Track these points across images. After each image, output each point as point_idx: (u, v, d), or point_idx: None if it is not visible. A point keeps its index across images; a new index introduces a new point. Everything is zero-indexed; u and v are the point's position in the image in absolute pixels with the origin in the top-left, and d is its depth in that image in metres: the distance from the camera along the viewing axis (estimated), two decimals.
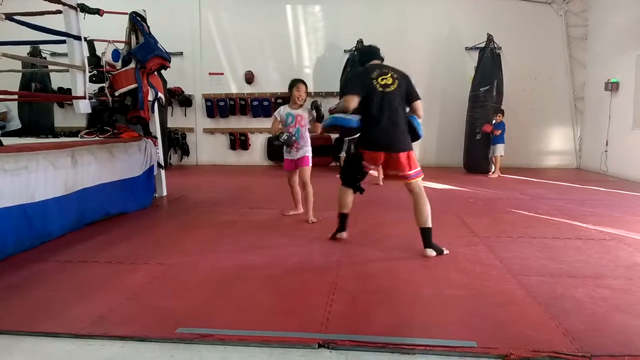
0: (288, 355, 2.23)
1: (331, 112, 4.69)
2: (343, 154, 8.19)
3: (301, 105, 5.05)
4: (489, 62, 9.54)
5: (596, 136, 9.70)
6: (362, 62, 4.26)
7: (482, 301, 2.89)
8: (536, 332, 2.43)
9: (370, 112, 3.83)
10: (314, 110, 4.96)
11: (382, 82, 3.86)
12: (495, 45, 9.62)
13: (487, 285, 3.16)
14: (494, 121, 9.09)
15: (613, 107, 9.09)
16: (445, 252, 3.84)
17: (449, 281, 3.24)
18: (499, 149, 9.01)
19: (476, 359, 2.19)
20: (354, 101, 3.81)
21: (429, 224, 3.85)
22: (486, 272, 3.41)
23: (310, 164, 5.09)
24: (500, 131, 8.96)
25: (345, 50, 10.54)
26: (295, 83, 5.04)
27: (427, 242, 3.84)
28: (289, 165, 5.17)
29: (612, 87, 9.01)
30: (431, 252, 3.80)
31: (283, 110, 5.08)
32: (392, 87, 3.86)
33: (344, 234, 4.27)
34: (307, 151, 5.08)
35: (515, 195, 6.83)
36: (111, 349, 2.29)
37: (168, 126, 10.55)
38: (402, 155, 3.82)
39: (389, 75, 3.91)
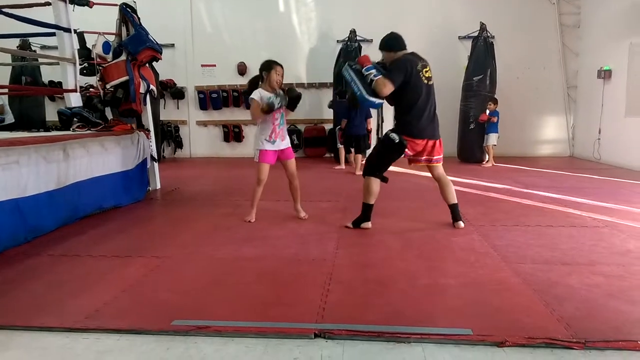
0: (284, 345, 2.23)
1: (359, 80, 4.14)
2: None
3: (274, 90, 4.51)
4: (482, 51, 9.52)
5: (589, 124, 9.73)
6: (392, 49, 4.31)
7: (477, 289, 2.90)
8: (531, 319, 2.44)
9: (416, 102, 4.12)
10: (286, 96, 4.49)
11: (427, 75, 4.21)
12: (489, 34, 9.59)
13: (481, 273, 3.17)
14: (487, 110, 9.09)
15: (606, 95, 9.11)
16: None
17: (444, 270, 3.25)
18: (492, 138, 9.03)
19: (472, 347, 2.20)
20: (391, 90, 4.02)
21: (456, 200, 4.42)
22: (481, 261, 3.42)
23: None
24: (495, 118, 8.96)
25: (338, 41, 10.48)
26: (274, 65, 4.53)
27: (457, 215, 4.41)
28: (270, 158, 4.60)
29: (605, 75, 9.02)
30: (461, 224, 4.37)
31: (263, 93, 4.46)
32: (432, 80, 4.28)
33: (369, 224, 4.35)
34: (289, 141, 4.75)
35: (509, 184, 6.85)
36: (106, 342, 2.28)
37: (161, 119, 10.48)
38: (438, 142, 4.31)
39: (428, 67, 4.29)
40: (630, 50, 8.32)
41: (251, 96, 4.49)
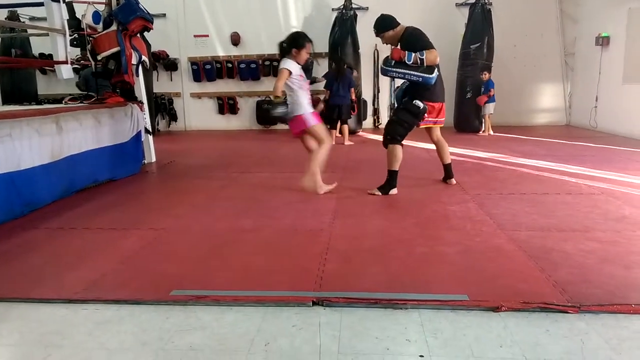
0: (283, 313, 2.25)
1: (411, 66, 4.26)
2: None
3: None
4: (479, 18, 9.39)
5: (586, 92, 9.68)
6: (392, 26, 4.46)
7: (473, 256, 2.92)
8: (526, 285, 2.47)
9: (436, 69, 4.33)
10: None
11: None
12: (486, 1, 9.44)
13: (478, 241, 3.19)
14: (483, 77, 8.94)
15: (603, 62, 9.04)
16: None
17: (440, 238, 3.27)
18: (489, 108, 8.98)
19: (468, 312, 2.22)
20: (437, 55, 4.31)
21: (450, 160, 4.88)
22: (477, 229, 3.44)
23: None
24: (493, 91, 8.86)
25: (333, 9, 10.30)
26: (307, 42, 4.36)
27: (450, 173, 4.88)
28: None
29: (603, 41, 8.93)
30: (453, 181, 4.84)
31: (295, 65, 4.29)
32: None
33: (396, 190, 4.52)
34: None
35: (506, 152, 6.85)
36: (105, 312, 2.29)
37: (154, 91, 10.36)
38: (444, 105, 4.68)
39: None
40: (629, 16, 8.22)
41: (285, 66, 4.25)
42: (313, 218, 3.83)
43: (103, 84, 6.54)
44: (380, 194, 4.46)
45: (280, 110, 4.24)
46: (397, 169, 4.48)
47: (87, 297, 2.45)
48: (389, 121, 4.74)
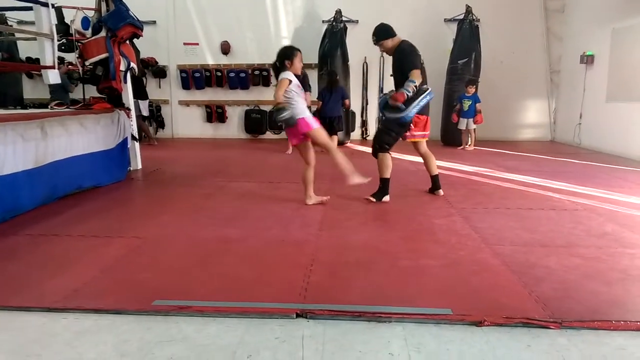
0: (266, 325, 2.23)
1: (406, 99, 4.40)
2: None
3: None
4: (467, 34, 9.52)
5: (571, 109, 9.83)
6: (390, 35, 4.70)
7: (458, 270, 2.93)
8: (509, 300, 2.48)
9: (425, 82, 4.58)
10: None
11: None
12: (474, 17, 9.58)
13: (462, 255, 3.20)
14: (468, 91, 9.00)
15: (588, 80, 9.20)
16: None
17: (425, 252, 3.28)
18: (472, 122, 9.03)
19: (451, 326, 2.22)
20: (420, 73, 4.47)
21: (437, 172, 5.04)
22: (462, 242, 3.46)
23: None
24: (480, 106, 8.91)
25: (323, 21, 10.37)
26: (297, 51, 4.42)
27: (438, 185, 5.01)
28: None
29: (588, 60, 9.09)
30: (441, 192, 4.97)
31: (293, 76, 4.33)
32: None
33: (388, 197, 4.72)
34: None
35: (491, 167, 6.91)
36: (85, 322, 2.26)
37: None
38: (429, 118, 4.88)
39: None
40: (613, 36, 8.39)
41: (285, 76, 4.24)
42: (299, 229, 3.82)
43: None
44: (375, 200, 4.65)
45: (285, 114, 4.19)
46: (388, 177, 4.69)
47: (67, 306, 2.40)
48: (377, 131, 4.87)
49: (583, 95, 9.31)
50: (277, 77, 4.38)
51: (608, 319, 2.26)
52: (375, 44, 4.71)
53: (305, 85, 4.60)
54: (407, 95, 4.35)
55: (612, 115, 8.43)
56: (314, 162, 4.52)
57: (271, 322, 2.26)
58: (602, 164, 7.23)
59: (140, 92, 9.22)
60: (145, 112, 9.56)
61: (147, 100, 9.76)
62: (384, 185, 4.69)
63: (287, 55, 4.37)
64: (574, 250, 3.30)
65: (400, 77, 4.49)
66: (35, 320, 2.28)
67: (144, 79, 10.32)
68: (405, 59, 4.49)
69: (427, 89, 4.55)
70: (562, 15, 10.31)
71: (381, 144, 4.64)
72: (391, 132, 4.63)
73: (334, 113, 8.10)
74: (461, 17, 9.69)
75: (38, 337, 2.13)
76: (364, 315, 2.30)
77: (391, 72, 4.81)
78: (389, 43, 4.64)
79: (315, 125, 4.34)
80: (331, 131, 8.20)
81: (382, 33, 4.66)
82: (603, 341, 2.10)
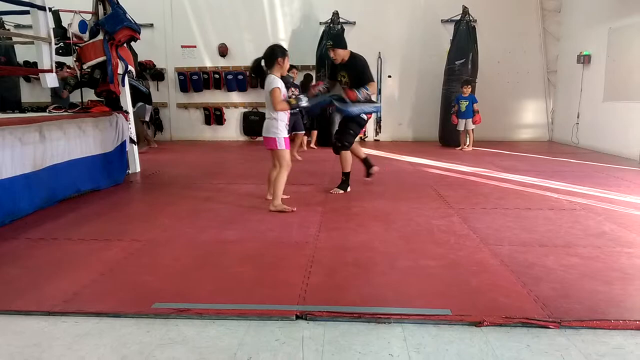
0: (266, 327, 2.24)
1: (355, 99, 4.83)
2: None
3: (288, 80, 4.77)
4: (464, 35, 9.53)
5: (568, 109, 9.86)
6: (346, 46, 5.05)
7: (456, 270, 2.94)
8: (508, 300, 2.49)
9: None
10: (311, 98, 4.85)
11: None
12: (471, 18, 9.60)
13: (461, 255, 3.21)
14: (463, 91, 9.01)
15: (585, 80, 9.23)
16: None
17: (424, 252, 3.28)
18: (471, 122, 9.05)
19: (450, 326, 2.23)
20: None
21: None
22: (460, 243, 3.47)
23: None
24: (477, 107, 8.93)
25: (320, 23, 10.39)
26: (286, 51, 4.47)
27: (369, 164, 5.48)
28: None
29: (584, 60, 9.12)
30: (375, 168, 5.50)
31: (281, 83, 4.38)
32: None
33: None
34: None
35: (489, 167, 6.93)
36: (85, 325, 2.26)
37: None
38: None
39: None
40: (610, 35, 8.42)
41: (277, 85, 4.27)
42: (298, 230, 3.82)
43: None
44: (342, 191, 5.14)
45: (303, 103, 4.50)
46: (350, 170, 5.19)
47: (67, 309, 2.41)
48: (338, 131, 5.17)
49: (580, 95, 9.34)
50: (258, 77, 4.42)
51: (607, 318, 2.27)
52: (331, 48, 4.99)
53: (290, 86, 4.92)
54: (359, 98, 4.81)
55: (609, 115, 8.46)
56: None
57: (271, 324, 2.26)
58: (599, 164, 7.26)
59: (149, 96, 9.26)
60: (147, 117, 9.53)
61: (151, 107, 9.74)
62: (347, 178, 5.20)
63: (280, 52, 4.38)
64: (573, 249, 3.31)
65: (357, 83, 4.89)
66: (35, 324, 2.29)
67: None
68: (365, 70, 4.97)
69: (378, 103, 4.96)
70: (559, 15, 10.34)
71: (343, 142, 5.05)
72: (351, 131, 5.06)
73: (313, 112, 8.49)
74: (458, 17, 9.71)
75: (38, 341, 2.13)
76: (363, 316, 2.31)
77: (339, 78, 5.09)
78: (342, 52, 4.97)
79: (282, 146, 4.40)
80: (312, 127, 9.29)
81: (342, 42, 5.05)
82: (602, 340, 2.11)
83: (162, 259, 3.20)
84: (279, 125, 4.38)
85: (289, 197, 4.78)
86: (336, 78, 5.10)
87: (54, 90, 8.44)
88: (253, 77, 4.44)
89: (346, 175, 5.20)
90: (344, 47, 4.99)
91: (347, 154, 5.11)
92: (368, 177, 5.48)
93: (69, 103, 6.43)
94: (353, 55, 5.01)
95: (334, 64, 5.11)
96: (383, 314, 2.32)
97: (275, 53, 4.36)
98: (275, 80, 4.29)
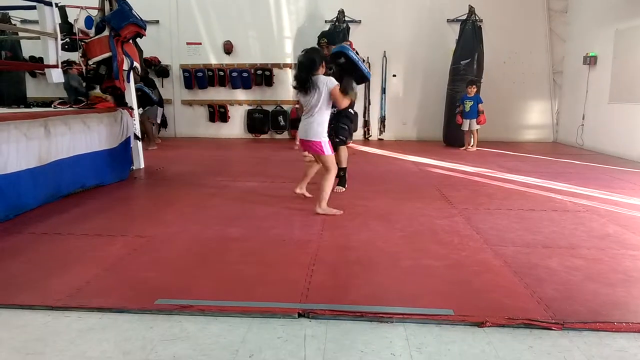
0: (268, 324, 2.24)
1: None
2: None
3: None
4: (470, 34, 9.50)
5: (573, 110, 9.82)
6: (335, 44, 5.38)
7: (459, 271, 2.93)
8: (511, 301, 2.49)
9: None
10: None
11: None
12: (477, 18, 9.57)
13: (464, 255, 3.21)
14: (469, 91, 8.97)
15: (590, 81, 9.18)
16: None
17: (427, 252, 3.28)
18: (475, 123, 9.01)
19: (453, 327, 2.23)
20: None
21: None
22: (463, 243, 3.46)
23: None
24: (482, 107, 8.89)
25: (326, 21, 10.37)
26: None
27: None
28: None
29: (591, 60, 9.08)
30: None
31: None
32: None
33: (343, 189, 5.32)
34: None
35: (493, 168, 6.91)
36: (89, 320, 2.27)
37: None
38: None
39: None
40: (616, 36, 8.38)
41: (336, 82, 4.08)
42: (302, 229, 3.83)
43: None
44: (343, 188, 5.21)
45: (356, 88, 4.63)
46: (346, 166, 5.27)
47: (70, 304, 2.42)
48: (333, 128, 4.99)
49: (586, 97, 9.30)
50: (304, 85, 4.06)
51: (610, 320, 2.27)
52: (325, 45, 5.16)
53: None
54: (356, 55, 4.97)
55: (615, 117, 8.42)
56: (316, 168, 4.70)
57: (273, 322, 2.27)
58: (604, 165, 7.23)
59: (160, 100, 9.34)
60: (158, 119, 9.53)
61: (162, 108, 9.73)
62: (344, 174, 5.27)
63: (322, 57, 4.16)
64: (576, 251, 3.30)
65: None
66: (38, 318, 2.30)
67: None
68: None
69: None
70: (565, 16, 10.29)
71: (340, 138, 5.10)
72: (344, 125, 5.15)
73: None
74: (464, 17, 9.68)
75: (42, 335, 2.14)
76: (365, 315, 2.31)
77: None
78: (330, 50, 5.22)
79: (328, 151, 4.23)
80: None
81: (335, 39, 5.41)
82: (605, 342, 2.10)
83: (166, 255, 3.21)
84: (325, 127, 4.19)
85: (311, 196, 4.71)
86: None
87: (71, 86, 8.47)
88: (299, 86, 4.08)
89: (344, 170, 5.26)
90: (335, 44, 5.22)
91: (344, 150, 5.18)
92: (340, 187, 5.21)
93: (75, 99, 6.45)
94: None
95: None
96: (385, 313, 2.32)
97: (318, 60, 4.09)
98: (332, 79, 4.10)
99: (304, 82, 4.06)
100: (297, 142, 7.92)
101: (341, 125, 5.13)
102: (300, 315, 2.31)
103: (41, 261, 3.08)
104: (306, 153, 4.77)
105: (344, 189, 5.21)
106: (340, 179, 5.24)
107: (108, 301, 2.45)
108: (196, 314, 2.33)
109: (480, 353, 2.01)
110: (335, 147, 5.03)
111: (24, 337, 2.13)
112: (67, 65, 7.91)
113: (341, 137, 5.13)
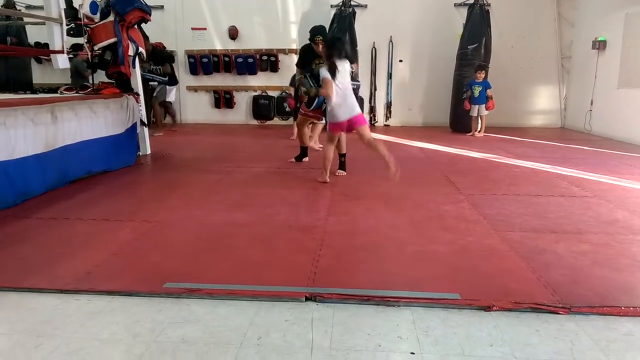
0: (276, 308, 2.25)
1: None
2: None
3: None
4: (477, 19, 9.39)
5: (581, 95, 9.72)
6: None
7: (466, 256, 2.93)
8: (518, 285, 2.49)
9: None
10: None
11: None
12: (485, 2, 9.45)
13: (471, 240, 3.20)
14: (477, 77, 8.87)
15: (599, 66, 9.08)
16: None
17: (433, 237, 3.28)
18: (484, 108, 8.94)
19: (459, 311, 2.24)
20: None
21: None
22: (470, 229, 3.45)
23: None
24: (491, 93, 8.80)
25: (331, 6, 10.27)
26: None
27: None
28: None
29: (600, 45, 8.96)
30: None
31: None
32: None
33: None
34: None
35: (500, 153, 6.87)
36: (98, 303, 2.29)
37: (150, 83, 10.28)
38: None
39: None
40: (626, 21, 8.26)
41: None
42: (307, 214, 3.83)
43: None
44: (344, 172, 5.32)
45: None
46: (345, 152, 5.37)
47: (79, 287, 2.44)
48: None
49: (594, 82, 9.20)
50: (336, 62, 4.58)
51: (617, 304, 2.27)
52: (320, 42, 5.20)
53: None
54: None
55: (623, 102, 8.33)
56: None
57: (281, 305, 2.28)
58: (612, 151, 7.17)
59: (170, 78, 9.09)
60: (171, 98, 9.39)
61: (176, 86, 9.49)
62: (344, 159, 5.39)
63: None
64: (584, 236, 3.29)
65: None
66: (48, 301, 2.32)
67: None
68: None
69: None
70: (574, 0, 10.14)
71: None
72: None
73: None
74: (471, 1, 9.56)
75: (52, 318, 2.16)
76: (372, 299, 2.32)
77: (313, 65, 5.37)
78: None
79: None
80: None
81: (327, 35, 5.40)
82: (611, 327, 2.10)
83: (173, 240, 3.23)
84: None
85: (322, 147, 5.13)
86: (310, 66, 5.40)
87: (76, 71, 8.47)
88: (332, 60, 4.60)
89: (344, 156, 5.39)
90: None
91: (343, 136, 5.23)
92: (342, 170, 5.39)
93: (81, 84, 6.45)
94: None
95: (310, 53, 5.40)
96: (392, 297, 2.33)
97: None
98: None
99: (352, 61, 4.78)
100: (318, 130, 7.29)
101: None
102: (307, 299, 2.33)
103: (50, 246, 3.11)
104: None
105: (344, 173, 5.31)
106: (341, 164, 5.36)
107: (117, 285, 2.47)
108: (204, 297, 2.35)
109: (487, 337, 2.02)
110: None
111: (34, 319, 2.16)
112: (72, 50, 7.89)
113: None
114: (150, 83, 8.72)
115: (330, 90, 4.52)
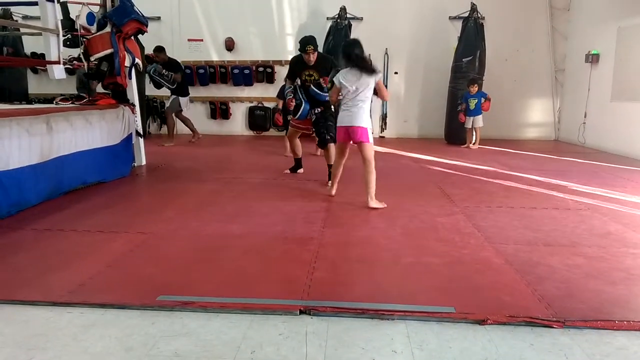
0: (269, 321, 2.24)
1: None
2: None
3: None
4: (472, 32, 9.47)
5: (575, 108, 9.79)
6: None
7: (460, 268, 2.94)
8: (512, 298, 2.49)
9: None
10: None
11: None
12: (479, 15, 9.55)
13: (465, 253, 3.21)
14: (470, 90, 8.94)
15: (593, 79, 9.16)
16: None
17: (428, 249, 3.28)
18: (479, 120, 9.00)
19: (454, 324, 2.23)
20: None
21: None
22: (465, 241, 3.46)
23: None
24: (488, 103, 8.85)
25: (328, 18, 10.36)
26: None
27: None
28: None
29: (593, 59, 9.05)
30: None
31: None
32: None
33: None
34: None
35: (495, 166, 6.90)
36: (91, 316, 2.28)
37: (146, 94, 10.29)
38: None
39: None
40: (619, 34, 8.35)
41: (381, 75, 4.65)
42: (303, 226, 3.83)
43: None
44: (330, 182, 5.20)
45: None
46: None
47: (72, 300, 2.43)
48: (322, 125, 5.41)
49: (588, 95, 9.28)
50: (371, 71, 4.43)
51: (611, 318, 2.27)
52: (312, 52, 5.17)
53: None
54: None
55: (617, 115, 8.40)
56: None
57: (274, 318, 2.27)
58: (606, 164, 7.22)
59: (181, 89, 9.11)
60: (185, 108, 9.37)
61: (188, 97, 9.45)
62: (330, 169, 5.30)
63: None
64: (578, 249, 3.30)
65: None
66: (41, 314, 2.30)
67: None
68: (332, 67, 5.32)
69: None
70: (568, 14, 10.26)
71: (331, 136, 5.28)
72: (331, 122, 5.34)
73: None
74: (466, 14, 9.65)
75: (44, 331, 2.15)
76: (367, 312, 2.31)
77: (304, 77, 5.37)
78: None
79: (372, 139, 4.60)
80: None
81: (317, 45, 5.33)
82: (605, 341, 2.11)
83: (167, 252, 3.22)
84: (370, 115, 4.55)
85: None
86: (299, 77, 5.40)
87: (81, 81, 8.47)
88: (367, 72, 4.43)
89: (330, 166, 5.39)
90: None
91: (332, 147, 5.28)
92: (291, 171, 5.82)
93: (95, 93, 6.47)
94: (323, 56, 5.46)
95: (299, 64, 5.33)
96: (386, 310, 2.32)
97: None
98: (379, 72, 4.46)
99: (366, 66, 4.38)
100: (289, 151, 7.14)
101: (329, 123, 5.37)
102: (301, 312, 2.32)
103: (43, 257, 3.09)
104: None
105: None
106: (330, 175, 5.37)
107: (110, 297, 2.46)
108: (198, 310, 2.34)
109: (481, 350, 2.02)
110: (325, 144, 5.45)
111: (26, 332, 2.14)
112: (78, 60, 7.89)
113: (331, 135, 5.29)
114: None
115: (334, 95, 4.60)
